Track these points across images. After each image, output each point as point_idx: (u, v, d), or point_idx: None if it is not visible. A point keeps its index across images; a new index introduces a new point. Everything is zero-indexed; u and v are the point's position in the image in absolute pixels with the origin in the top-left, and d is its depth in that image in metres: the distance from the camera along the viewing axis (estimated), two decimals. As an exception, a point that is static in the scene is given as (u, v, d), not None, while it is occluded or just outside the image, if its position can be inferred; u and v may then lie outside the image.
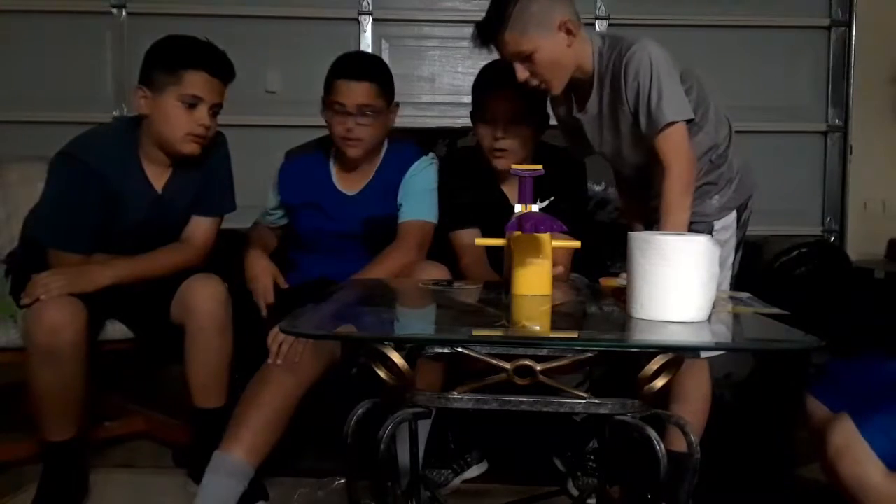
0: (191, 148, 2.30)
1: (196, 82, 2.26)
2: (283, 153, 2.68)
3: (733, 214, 2.19)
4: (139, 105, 2.30)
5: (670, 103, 2.00)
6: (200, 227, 2.47)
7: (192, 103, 2.26)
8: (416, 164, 2.55)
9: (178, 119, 2.26)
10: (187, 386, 2.34)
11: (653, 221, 2.21)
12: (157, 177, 2.37)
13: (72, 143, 2.31)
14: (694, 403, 2.17)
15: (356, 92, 2.42)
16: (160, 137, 2.30)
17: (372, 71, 2.49)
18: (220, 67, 2.31)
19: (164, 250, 2.40)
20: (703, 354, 2.15)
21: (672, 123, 2.00)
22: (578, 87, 2.18)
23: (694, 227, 2.14)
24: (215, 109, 2.31)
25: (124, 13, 3.71)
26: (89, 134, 2.38)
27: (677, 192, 2.00)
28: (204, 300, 2.29)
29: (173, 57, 2.28)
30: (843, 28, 3.84)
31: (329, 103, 2.46)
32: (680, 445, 2.06)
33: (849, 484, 1.72)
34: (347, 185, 2.58)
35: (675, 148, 2.01)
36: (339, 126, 2.45)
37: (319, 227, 2.55)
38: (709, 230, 2.15)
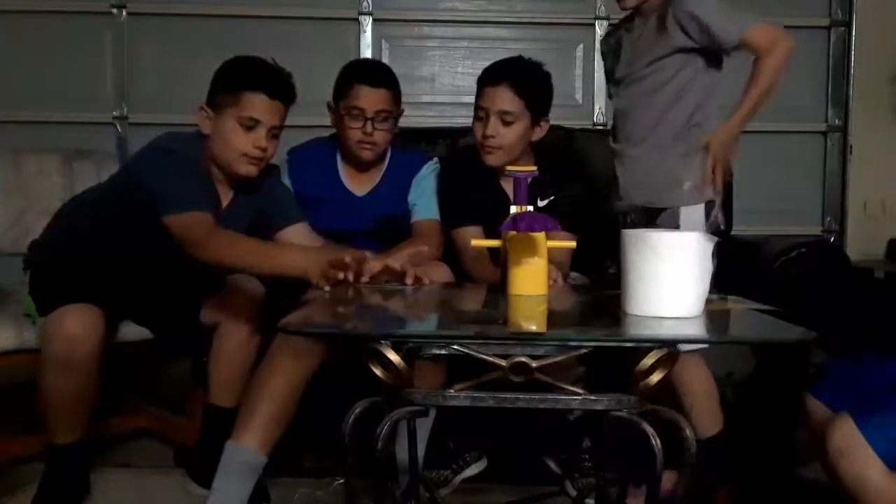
0: (247, 169, 2.29)
1: (255, 104, 2.25)
2: (287, 151, 2.66)
3: (701, 207, 2.23)
4: (202, 125, 2.30)
5: (729, 20, 2.14)
6: (301, 232, 2.45)
7: (249, 125, 2.25)
8: (426, 167, 2.64)
9: (236, 140, 2.25)
10: (207, 381, 2.36)
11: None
12: (223, 195, 2.37)
13: (169, 140, 2.29)
14: (700, 396, 2.24)
15: (376, 98, 2.49)
16: (217, 157, 2.30)
17: (388, 78, 2.56)
18: (281, 90, 2.30)
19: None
20: (685, 348, 2.17)
21: (743, 35, 2.13)
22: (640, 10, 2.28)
23: (660, 219, 2.22)
24: (274, 132, 2.31)
25: (124, 13, 3.70)
26: (178, 136, 2.34)
27: (771, 68, 2.14)
28: (242, 302, 2.32)
29: (234, 78, 2.28)
30: (843, 28, 3.84)
31: (346, 108, 2.50)
32: (709, 429, 2.23)
33: (849, 483, 1.72)
34: (357, 185, 2.63)
35: (766, 40, 2.15)
36: (355, 130, 2.50)
37: (328, 226, 2.54)
38: (675, 219, 2.21)
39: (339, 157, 2.63)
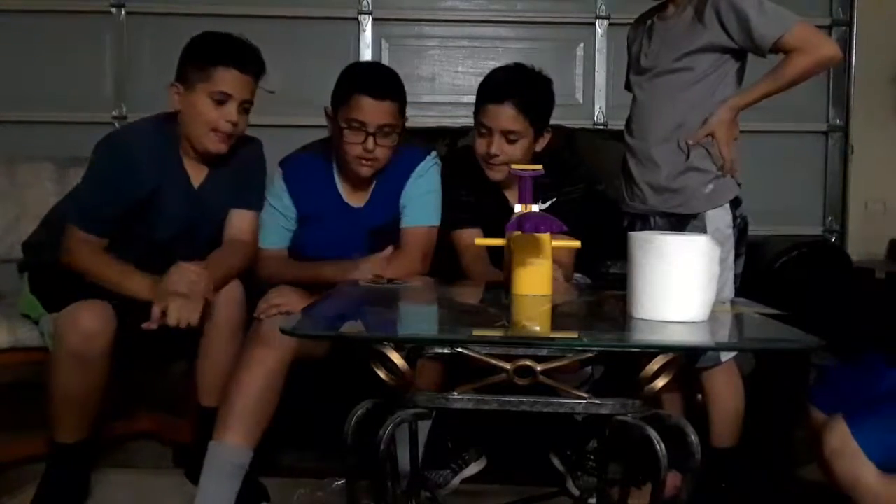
0: (217, 147, 2.30)
1: (225, 79, 2.26)
2: (279, 160, 2.55)
3: (727, 209, 2.21)
4: (173, 101, 2.31)
5: (771, 19, 2.07)
6: (245, 221, 2.44)
7: (220, 100, 2.26)
8: (420, 167, 2.48)
9: (207, 115, 2.26)
10: (194, 383, 2.36)
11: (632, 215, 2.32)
12: (196, 173, 2.37)
13: (119, 131, 2.36)
14: (726, 408, 2.27)
15: (380, 111, 2.32)
16: (190, 133, 2.31)
17: (394, 88, 2.38)
18: (251, 63, 2.30)
19: (224, 252, 2.38)
20: (725, 356, 2.19)
21: (785, 33, 2.06)
22: None
23: (690, 228, 2.18)
24: (245, 106, 2.31)
25: (124, 13, 3.70)
26: (136, 125, 2.41)
27: (800, 69, 2.08)
28: (223, 302, 2.30)
29: (204, 53, 2.29)
30: (844, 28, 3.83)
31: (346, 120, 2.33)
32: (725, 441, 2.23)
33: (844, 483, 1.74)
34: (354, 197, 2.49)
35: (807, 48, 2.07)
36: (355, 145, 2.33)
37: (325, 237, 2.46)
38: (702, 223, 2.18)
39: (335, 169, 2.49)
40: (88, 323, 2.13)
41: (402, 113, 2.39)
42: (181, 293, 2.15)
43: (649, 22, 2.30)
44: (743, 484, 2.31)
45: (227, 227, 2.44)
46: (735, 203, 2.22)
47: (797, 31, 2.06)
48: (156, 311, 2.14)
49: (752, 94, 2.16)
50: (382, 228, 2.46)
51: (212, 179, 2.39)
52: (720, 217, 2.19)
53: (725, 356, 2.22)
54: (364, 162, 2.36)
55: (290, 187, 2.47)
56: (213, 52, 2.29)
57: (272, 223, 2.49)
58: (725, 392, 2.26)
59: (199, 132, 2.29)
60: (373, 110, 2.31)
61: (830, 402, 1.91)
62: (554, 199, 2.41)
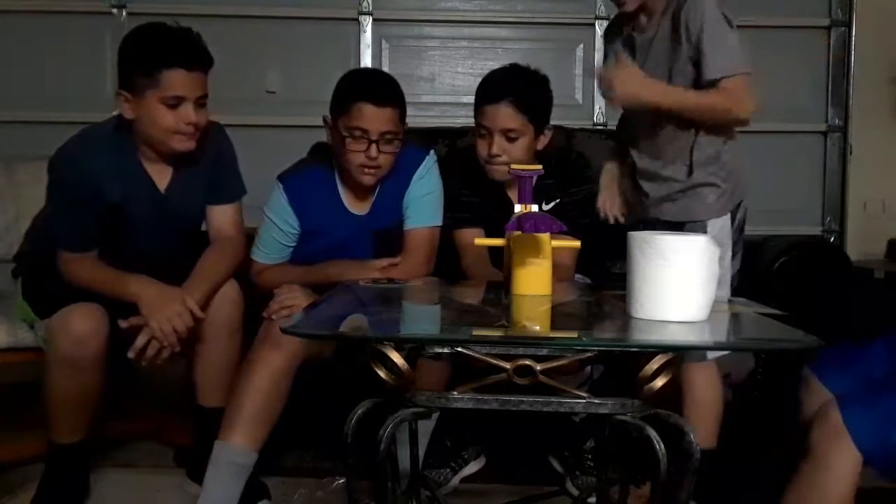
0: (184, 145, 2.23)
1: (175, 82, 2.16)
2: (278, 174, 2.50)
3: (727, 217, 2.19)
4: (124, 109, 2.22)
5: (723, 57, 2.03)
6: (226, 216, 2.41)
7: (174, 104, 2.17)
8: (420, 168, 2.45)
9: (164, 121, 2.18)
10: (193, 383, 2.35)
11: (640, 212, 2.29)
12: (160, 176, 2.32)
13: (71, 146, 2.27)
14: (702, 409, 2.20)
15: (381, 118, 2.28)
16: (150, 139, 2.24)
17: (394, 94, 2.34)
18: (197, 59, 2.20)
19: (212, 255, 2.34)
20: (710, 355, 2.18)
21: (727, 77, 2.02)
22: (646, 8, 2.17)
23: (689, 228, 2.17)
24: (201, 101, 2.23)
25: (124, 13, 3.71)
26: (86, 136, 2.32)
27: (720, 107, 2.05)
28: (219, 301, 2.29)
29: (147, 58, 2.17)
30: (843, 28, 3.84)
31: (347, 128, 2.29)
32: (705, 443, 2.10)
33: (815, 457, 1.69)
34: (357, 204, 2.46)
35: (733, 99, 2.04)
36: (357, 154, 2.30)
37: (333, 253, 2.41)
38: (703, 230, 2.17)
39: (337, 181, 2.45)
40: (80, 326, 2.13)
41: (402, 120, 2.36)
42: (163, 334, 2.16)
43: (626, 33, 2.25)
44: (724, 487, 2.30)
45: (209, 226, 2.42)
46: (737, 208, 2.21)
47: (736, 80, 2.03)
48: (140, 341, 2.16)
49: (670, 98, 2.09)
50: (387, 233, 2.44)
51: (178, 180, 2.33)
52: (721, 222, 2.18)
53: (712, 354, 2.20)
54: (367, 170, 2.33)
55: (293, 204, 2.43)
56: (154, 54, 2.17)
57: (271, 240, 2.47)
58: (703, 391, 2.21)
59: (161, 137, 2.22)
60: (375, 117, 2.28)
61: (832, 375, 1.88)
62: (558, 200, 2.42)
